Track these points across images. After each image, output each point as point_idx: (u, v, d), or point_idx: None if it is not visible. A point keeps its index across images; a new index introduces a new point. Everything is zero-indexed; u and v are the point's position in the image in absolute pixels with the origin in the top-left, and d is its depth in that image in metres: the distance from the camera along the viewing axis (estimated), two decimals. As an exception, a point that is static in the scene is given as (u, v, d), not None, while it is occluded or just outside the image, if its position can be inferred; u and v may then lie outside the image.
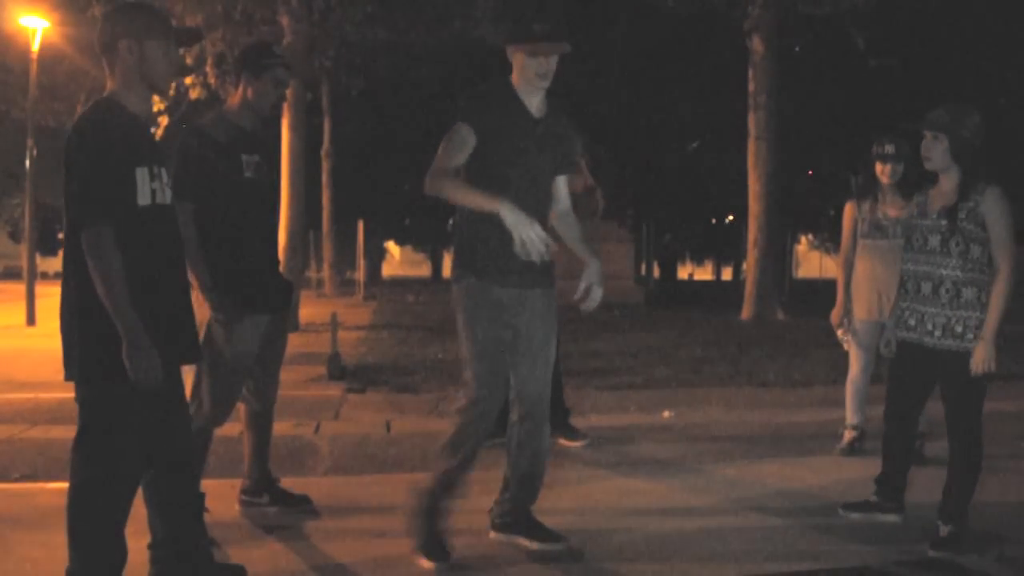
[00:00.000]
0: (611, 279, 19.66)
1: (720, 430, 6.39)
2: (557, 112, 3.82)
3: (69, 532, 2.96)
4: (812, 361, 9.85)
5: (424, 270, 58.85)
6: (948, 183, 4.01)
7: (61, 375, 3.02)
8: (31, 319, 14.88)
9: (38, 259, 19.90)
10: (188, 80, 13.68)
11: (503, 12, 14.60)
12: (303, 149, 13.74)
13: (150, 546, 3.21)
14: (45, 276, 22.22)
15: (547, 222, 3.85)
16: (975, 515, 4.03)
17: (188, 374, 3.80)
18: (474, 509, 4.11)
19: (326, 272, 26.47)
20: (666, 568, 3.65)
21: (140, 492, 3.13)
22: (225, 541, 3.77)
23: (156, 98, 12.79)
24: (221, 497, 4.25)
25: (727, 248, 44.46)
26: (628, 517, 4.30)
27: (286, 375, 4.81)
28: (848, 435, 5.58)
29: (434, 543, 3.66)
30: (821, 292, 17.04)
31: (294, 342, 8.57)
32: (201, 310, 3.86)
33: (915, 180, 4.82)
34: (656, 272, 34.29)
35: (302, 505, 4.32)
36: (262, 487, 4.32)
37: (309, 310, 16.05)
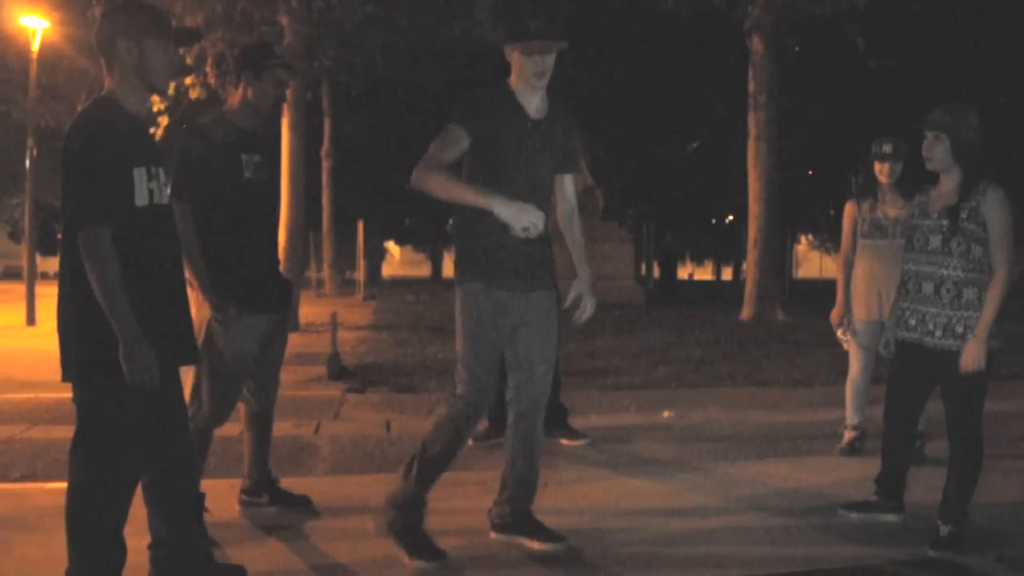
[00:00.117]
0: (611, 279, 19.63)
1: (720, 430, 6.39)
2: (558, 112, 3.81)
3: (68, 533, 2.96)
4: (812, 361, 9.85)
5: (424, 270, 58.84)
6: (949, 183, 4.00)
7: (60, 375, 3.02)
8: (31, 319, 14.89)
9: (38, 259, 19.88)
10: (188, 80, 13.68)
11: (502, 13, 14.62)
12: (303, 149, 13.75)
13: (150, 546, 3.21)
14: (45, 276, 22.21)
15: (549, 222, 3.85)
16: (975, 515, 4.03)
17: (188, 374, 3.80)
18: (474, 509, 4.12)
19: (326, 272, 26.46)
20: (666, 568, 3.65)
21: (140, 492, 3.13)
22: (225, 541, 3.77)
23: (156, 98, 12.85)
24: (221, 497, 4.25)
25: (727, 248, 44.46)
26: (628, 517, 4.30)
27: (286, 375, 4.81)
28: (848, 435, 5.58)
29: (422, 543, 3.66)
30: (821, 292, 17.04)
31: (294, 342, 8.57)
32: (201, 310, 3.86)
33: (915, 180, 4.82)
34: (656, 272, 34.22)
35: (302, 505, 4.32)
36: (262, 487, 4.32)
37: (309, 310, 16.05)
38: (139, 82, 3.05)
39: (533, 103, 3.71)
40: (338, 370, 8.72)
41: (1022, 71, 22.82)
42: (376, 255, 44.22)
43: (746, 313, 16.52)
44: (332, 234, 25.87)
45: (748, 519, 4.28)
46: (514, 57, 3.66)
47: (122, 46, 3.01)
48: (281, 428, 5.26)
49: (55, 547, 3.15)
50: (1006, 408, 6.83)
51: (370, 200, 32.42)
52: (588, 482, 4.92)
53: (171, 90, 13.23)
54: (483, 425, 5.44)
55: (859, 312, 5.51)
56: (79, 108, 3.12)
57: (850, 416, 5.60)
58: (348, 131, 27.46)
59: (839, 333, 5.64)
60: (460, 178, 3.61)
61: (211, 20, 12.86)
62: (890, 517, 4.24)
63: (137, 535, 3.15)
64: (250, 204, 4.00)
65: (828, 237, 39.49)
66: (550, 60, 3.63)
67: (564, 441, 5.77)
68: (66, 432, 3.10)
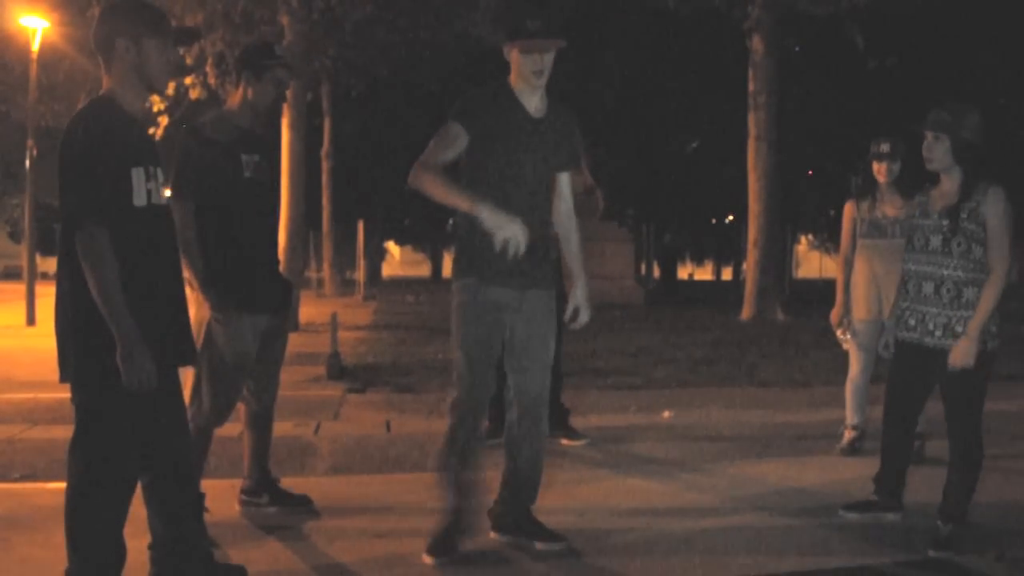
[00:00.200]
0: (611, 279, 19.62)
1: (720, 430, 6.39)
2: (558, 110, 3.81)
3: (67, 533, 2.96)
4: (812, 361, 9.85)
5: (424, 270, 58.85)
6: (950, 183, 4.00)
7: (59, 376, 3.02)
8: (31, 319, 14.89)
9: (38, 259, 19.86)
10: (188, 80, 13.69)
11: (501, 11, 14.61)
12: (303, 149, 13.75)
13: (150, 546, 3.21)
14: (45, 276, 22.19)
15: (549, 221, 3.84)
16: (975, 515, 4.03)
17: (188, 375, 3.80)
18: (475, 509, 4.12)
19: (326, 272, 26.47)
20: (666, 568, 3.65)
21: (140, 492, 3.13)
22: (225, 541, 3.77)
23: (156, 98, 12.85)
24: (221, 497, 4.25)
25: (727, 248, 44.45)
26: (628, 517, 4.30)
27: (286, 375, 4.81)
28: (848, 435, 5.58)
29: (442, 541, 3.68)
30: (821, 292, 17.05)
31: (294, 342, 8.56)
32: (200, 310, 3.86)
33: (916, 180, 4.83)
34: (656, 272, 34.26)
35: (302, 505, 4.32)
36: (262, 487, 4.32)
37: (309, 310, 16.05)
38: (138, 81, 3.03)
39: (532, 102, 3.71)
40: (338, 370, 8.73)
41: (1022, 71, 22.81)
42: (376, 255, 44.21)
43: (746, 313, 16.53)
44: (332, 234, 25.88)
45: (748, 519, 4.28)
46: (513, 56, 3.66)
47: (120, 45, 2.99)
48: (281, 428, 5.26)
49: (55, 547, 3.15)
50: (1006, 408, 6.82)
51: (370, 200, 32.43)
52: (588, 482, 4.92)
53: (171, 90, 13.24)
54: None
55: (858, 312, 5.51)
56: (79, 108, 3.09)
57: (850, 416, 5.60)
58: (348, 131, 27.45)
59: (839, 333, 5.64)
60: (454, 181, 3.60)
61: (211, 20, 12.86)
62: (890, 517, 4.24)
63: (137, 535, 3.14)
64: (250, 204, 4.00)
65: (828, 237, 39.49)
66: (549, 59, 3.64)
67: (564, 441, 5.77)
68: (66, 432, 3.10)
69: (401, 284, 36.32)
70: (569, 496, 4.58)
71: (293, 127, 13.34)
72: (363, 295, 23.60)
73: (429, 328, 14.07)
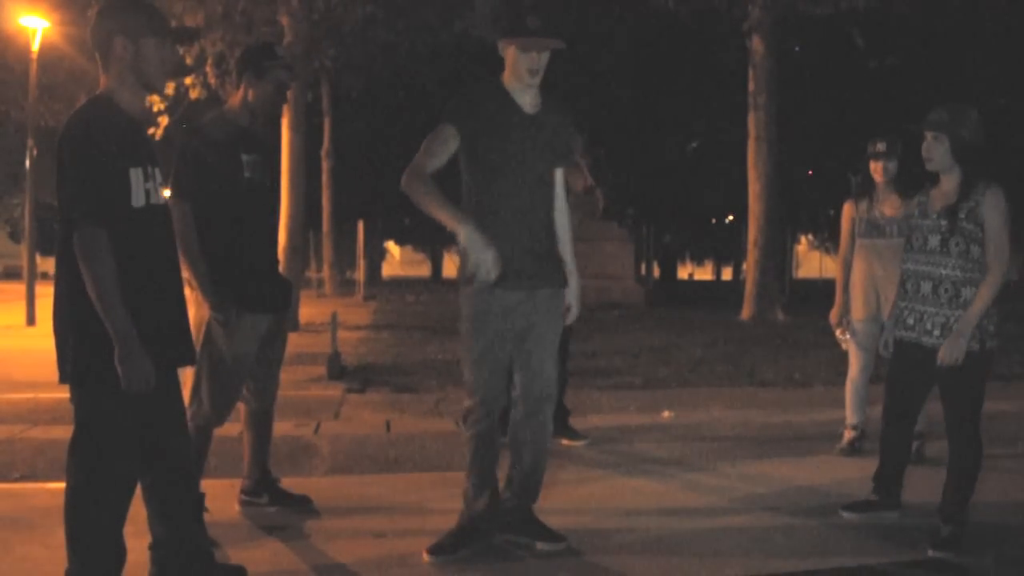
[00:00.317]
0: (611, 279, 19.60)
1: (720, 430, 6.39)
2: (553, 106, 3.80)
3: (67, 534, 2.95)
4: (812, 361, 9.85)
5: (424, 270, 58.86)
6: (949, 183, 4.01)
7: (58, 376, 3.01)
8: (31, 319, 14.89)
9: (38, 259, 19.86)
10: (188, 80, 13.69)
11: (500, 7, 14.62)
12: (303, 149, 13.75)
13: (150, 547, 3.20)
14: (45, 276, 22.19)
15: (550, 218, 3.83)
16: (975, 515, 4.03)
17: (187, 374, 3.80)
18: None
19: (326, 272, 26.48)
20: (666, 568, 3.65)
21: (140, 492, 3.13)
22: (225, 541, 3.77)
23: (156, 98, 12.85)
24: (221, 497, 4.25)
25: (727, 248, 44.46)
26: (628, 517, 4.30)
27: (286, 375, 4.81)
28: (848, 435, 5.58)
29: (448, 544, 3.69)
30: (821, 292, 17.05)
31: (294, 342, 8.55)
32: (200, 310, 3.86)
33: (916, 180, 4.83)
34: (656, 272, 34.26)
35: (302, 505, 4.32)
36: (262, 487, 4.32)
37: (309, 310, 16.05)
38: (135, 81, 3.01)
39: (526, 99, 3.70)
40: (338, 370, 8.73)
41: (1022, 71, 22.81)
42: (376, 255, 44.21)
43: (746, 313, 16.53)
44: (332, 234, 25.89)
45: (748, 519, 4.28)
46: (509, 52, 3.65)
47: (118, 44, 2.97)
48: (281, 428, 5.26)
49: (55, 547, 3.15)
50: (1006, 408, 6.83)
51: (370, 200, 32.41)
52: (588, 482, 4.92)
53: (171, 90, 13.25)
54: None
55: (857, 312, 5.51)
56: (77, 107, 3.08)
57: (850, 416, 5.60)
58: (348, 131, 27.46)
59: (838, 333, 5.64)
60: (442, 194, 3.56)
61: (211, 20, 12.86)
62: (890, 517, 4.24)
63: (137, 535, 3.14)
64: (250, 204, 4.00)
65: (828, 237, 39.48)
66: (545, 58, 3.63)
67: (564, 441, 5.77)
68: (66, 432, 3.10)
69: (401, 284, 36.32)
70: (569, 496, 4.58)
71: (293, 127, 13.34)
72: (363, 295, 23.59)
73: (429, 328, 14.07)
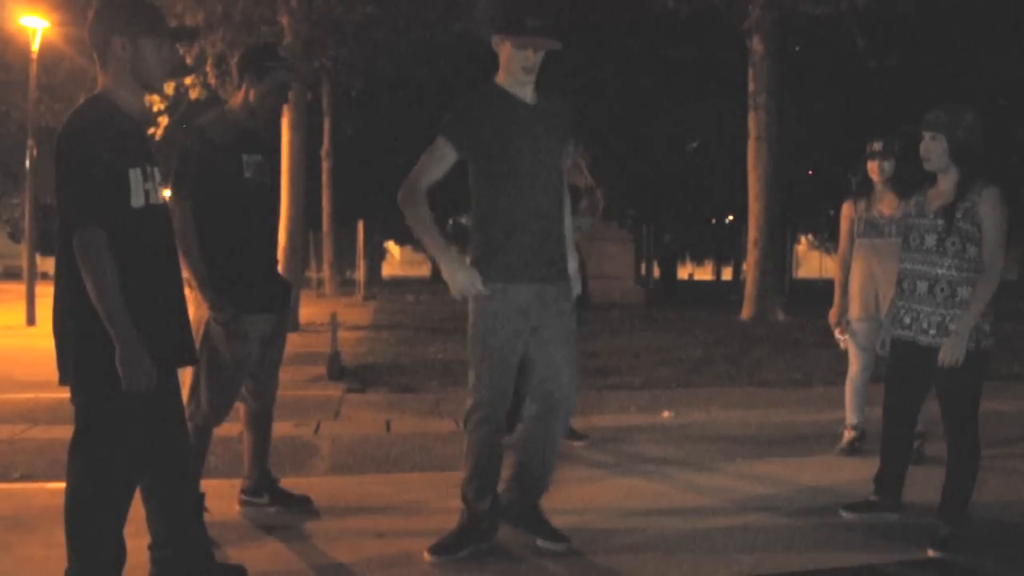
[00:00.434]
0: (611, 279, 19.59)
1: (720, 430, 6.39)
2: (548, 96, 3.77)
3: (68, 533, 2.95)
4: (812, 361, 9.85)
5: (424, 270, 58.80)
6: (947, 183, 4.01)
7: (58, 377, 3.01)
8: (31, 319, 14.89)
9: (38, 259, 19.89)
10: (188, 80, 13.69)
11: (499, 5, 14.63)
12: (303, 149, 13.75)
13: (150, 546, 3.20)
14: (45, 276, 22.20)
15: (561, 214, 3.81)
16: (975, 515, 4.03)
17: (186, 374, 3.80)
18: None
19: (326, 272, 26.49)
20: (666, 568, 3.65)
21: (140, 492, 3.12)
22: (225, 541, 3.77)
23: (156, 98, 12.84)
24: (221, 497, 4.25)
25: (727, 248, 44.44)
26: (628, 517, 4.30)
27: (286, 375, 4.81)
28: (848, 435, 5.58)
29: (448, 544, 3.69)
30: (821, 292, 17.06)
31: (294, 342, 8.56)
32: (199, 310, 3.86)
33: (914, 179, 4.83)
34: (656, 272, 34.23)
35: (302, 505, 4.32)
36: (262, 487, 4.32)
37: (309, 310, 16.06)
38: (134, 80, 3.00)
39: (525, 92, 3.68)
40: (338, 370, 8.73)
41: (1022, 71, 22.81)
42: (376, 255, 44.18)
43: (746, 313, 16.53)
44: (332, 234, 25.89)
45: (748, 519, 4.28)
46: (504, 49, 3.64)
47: (117, 43, 2.96)
48: (281, 428, 5.27)
49: (56, 547, 3.15)
50: (1006, 408, 6.83)
51: (370, 200, 32.40)
52: (588, 482, 4.92)
53: (171, 90, 13.25)
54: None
55: (856, 312, 5.51)
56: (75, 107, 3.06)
57: (850, 416, 5.60)
58: (348, 131, 27.47)
59: (837, 333, 5.64)
60: (431, 221, 3.66)
61: (211, 20, 12.86)
62: (890, 517, 4.25)
63: (137, 535, 3.14)
64: (250, 204, 4.00)
65: (828, 237, 39.48)
66: (539, 57, 3.62)
67: (564, 441, 5.76)
68: (66, 432, 3.10)
69: (401, 284, 36.33)
70: (569, 496, 4.58)
71: (293, 127, 13.35)
72: (363, 295, 23.60)
73: (429, 328, 14.08)
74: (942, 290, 3.95)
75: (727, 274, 50.01)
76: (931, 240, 3.99)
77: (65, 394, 3.01)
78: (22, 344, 11.92)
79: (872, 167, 5.41)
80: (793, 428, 6.44)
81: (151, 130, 13.29)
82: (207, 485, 3.99)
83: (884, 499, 4.28)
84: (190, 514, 3.25)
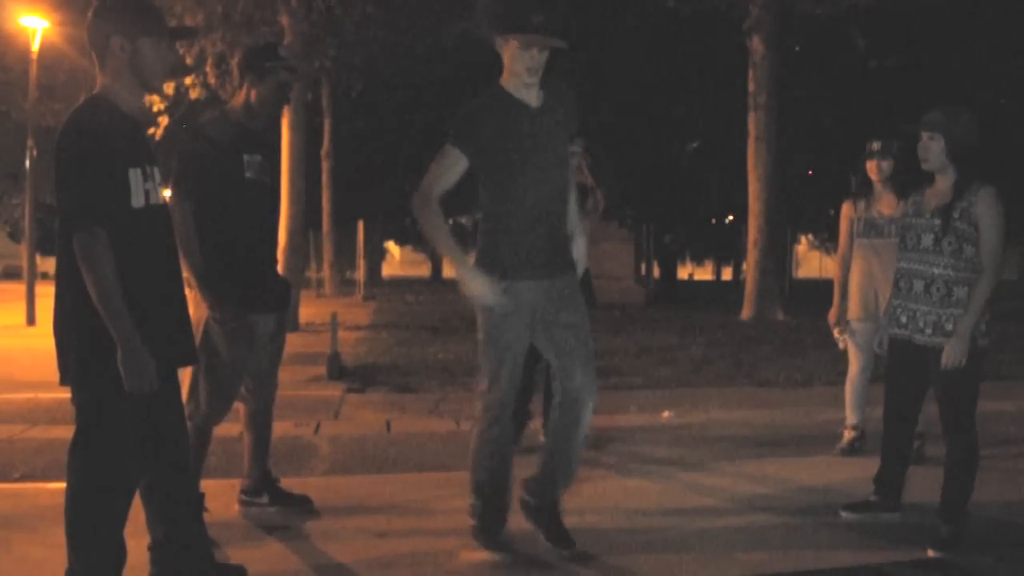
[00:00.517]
0: (611, 279, 19.55)
1: (720, 430, 6.39)
2: (553, 90, 3.73)
3: (68, 534, 2.95)
4: (812, 361, 9.85)
5: (424, 270, 58.82)
6: (944, 183, 4.02)
7: (59, 378, 3.01)
8: (31, 319, 14.89)
9: (38, 259, 19.90)
10: (188, 80, 13.69)
11: (503, 4, 14.62)
12: (303, 149, 13.75)
13: (150, 547, 3.20)
14: (45, 276, 22.19)
15: (565, 206, 3.81)
16: (975, 515, 4.03)
17: (185, 373, 3.79)
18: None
19: (326, 272, 26.48)
20: (666, 567, 3.65)
21: (139, 492, 3.12)
22: (225, 541, 3.77)
23: (156, 98, 12.84)
24: (221, 497, 4.25)
25: (727, 248, 44.41)
26: (628, 517, 4.30)
27: (286, 375, 4.80)
28: (848, 435, 5.58)
29: (489, 535, 3.71)
30: (821, 292, 17.05)
31: (294, 342, 8.56)
32: (198, 309, 3.86)
33: (913, 179, 4.84)
34: (656, 272, 34.20)
35: (302, 505, 4.32)
36: (262, 487, 4.32)
37: (309, 310, 16.05)
38: (132, 80, 2.99)
39: (531, 95, 3.66)
40: (338, 370, 8.73)
41: (1022, 71, 22.81)
42: (376, 255, 44.19)
43: (746, 313, 16.53)
44: (332, 234, 25.88)
45: (748, 519, 4.29)
46: (508, 49, 3.61)
47: (115, 43, 2.95)
48: (281, 428, 5.26)
49: (56, 547, 3.15)
50: (1006, 408, 6.83)
51: (370, 200, 32.40)
52: (589, 482, 4.92)
53: (171, 90, 13.24)
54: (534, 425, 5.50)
55: (856, 312, 5.51)
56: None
57: (850, 416, 5.60)
58: (348, 131, 27.45)
59: (836, 333, 5.64)
60: (445, 229, 3.70)
61: (211, 20, 12.86)
62: (890, 517, 4.25)
63: (137, 535, 3.14)
64: (250, 204, 4.00)
65: (828, 237, 39.44)
66: (544, 57, 3.60)
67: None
68: (66, 432, 3.10)
69: (401, 284, 36.33)
70: (569, 496, 4.56)
71: (293, 127, 13.34)
72: (363, 295, 23.60)
73: (429, 328, 14.06)
74: (938, 289, 3.96)
75: (727, 274, 50.01)
76: (928, 240, 3.99)
77: (65, 394, 3.01)
78: (22, 344, 11.92)
79: (871, 167, 5.41)
80: (793, 428, 6.44)
81: (151, 130, 13.29)
82: (207, 485, 3.99)
83: (884, 499, 4.28)
84: (190, 514, 3.25)
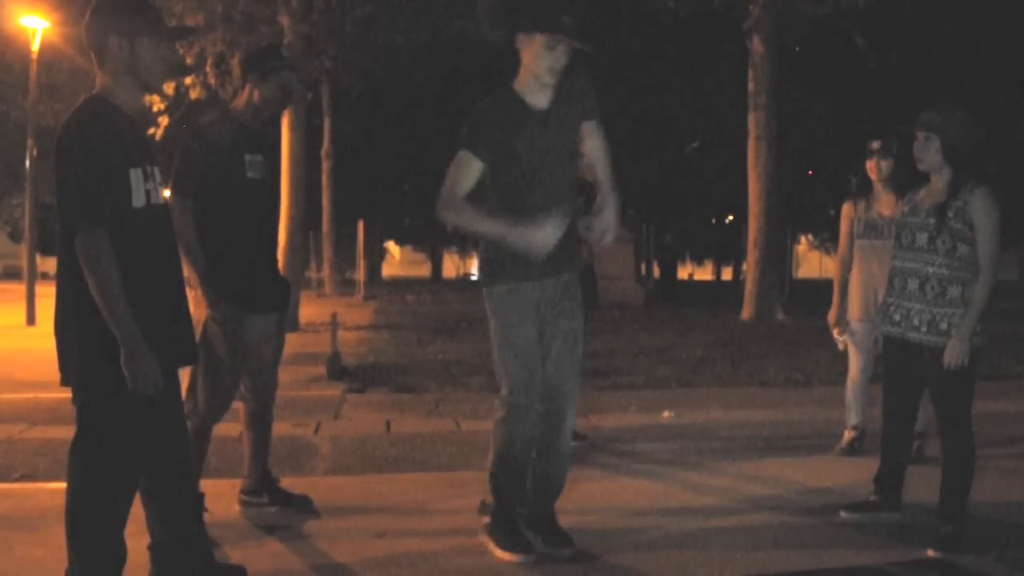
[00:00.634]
0: (611, 279, 19.55)
1: (720, 430, 6.39)
2: (566, 84, 3.66)
3: (68, 534, 2.94)
4: (812, 361, 9.85)
5: (424, 270, 58.90)
6: (940, 182, 4.03)
7: (59, 378, 3.00)
8: (31, 319, 14.90)
9: (38, 259, 19.89)
10: (188, 80, 13.69)
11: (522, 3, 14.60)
12: (303, 149, 13.75)
13: (150, 547, 3.20)
14: (45, 276, 22.21)
15: (572, 201, 3.79)
16: (975, 515, 4.03)
17: (183, 373, 3.79)
18: (474, 509, 4.12)
19: (326, 272, 26.48)
20: (666, 567, 3.65)
21: (139, 492, 3.12)
22: (225, 541, 3.77)
23: (156, 98, 12.84)
24: (221, 497, 4.25)
25: (727, 248, 44.42)
26: (628, 517, 4.30)
27: (286, 375, 4.81)
28: (848, 435, 5.58)
29: (513, 538, 3.70)
30: (821, 292, 17.06)
31: (294, 342, 8.57)
32: (198, 308, 3.86)
33: (912, 179, 4.84)
34: (656, 272, 34.22)
35: (302, 505, 4.32)
36: (262, 487, 4.32)
37: (309, 310, 16.06)
38: (131, 80, 2.98)
39: (541, 98, 3.63)
40: (338, 370, 8.73)
41: (1022, 71, 22.81)
42: (376, 255, 44.21)
43: (746, 313, 16.53)
44: (332, 234, 25.88)
45: (748, 519, 4.28)
46: (532, 46, 3.54)
47: (114, 43, 2.94)
48: (281, 428, 5.27)
49: (56, 547, 3.15)
50: (1006, 408, 6.83)
51: (370, 200, 32.43)
52: (588, 482, 4.92)
53: (170, 90, 13.24)
54: None
55: (855, 312, 5.51)
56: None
57: (850, 416, 5.60)
58: (348, 131, 27.46)
59: (835, 334, 5.64)
60: (479, 211, 3.60)
61: (211, 20, 12.87)
62: (890, 517, 4.25)
63: (137, 535, 3.14)
64: (251, 204, 4.00)
65: (828, 237, 39.48)
66: (566, 59, 3.55)
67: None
68: (66, 432, 3.10)
69: (401, 284, 36.33)
70: (569, 496, 4.56)
71: (293, 127, 13.35)
72: (363, 295, 23.60)
73: (429, 328, 14.07)
74: (932, 288, 3.97)
75: (727, 274, 50.04)
76: (922, 238, 4.00)
77: (65, 394, 3.01)
78: (22, 344, 11.92)
79: (870, 166, 5.41)
80: (793, 428, 6.44)
81: (151, 130, 13.29)
82: (207, 485, 3.99)
83: (884, 499, 4.28)
84: (190, 514, 3.25)
